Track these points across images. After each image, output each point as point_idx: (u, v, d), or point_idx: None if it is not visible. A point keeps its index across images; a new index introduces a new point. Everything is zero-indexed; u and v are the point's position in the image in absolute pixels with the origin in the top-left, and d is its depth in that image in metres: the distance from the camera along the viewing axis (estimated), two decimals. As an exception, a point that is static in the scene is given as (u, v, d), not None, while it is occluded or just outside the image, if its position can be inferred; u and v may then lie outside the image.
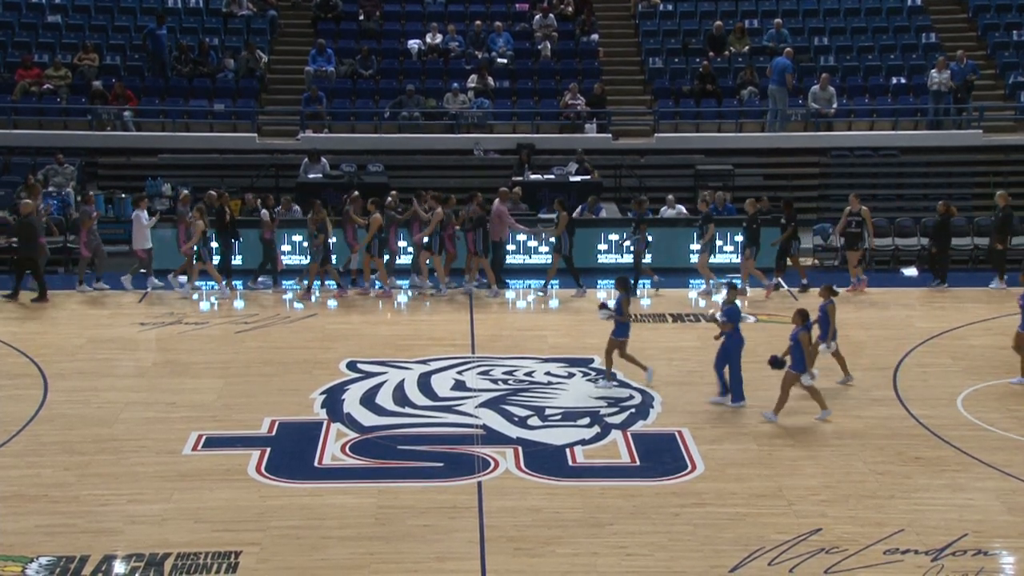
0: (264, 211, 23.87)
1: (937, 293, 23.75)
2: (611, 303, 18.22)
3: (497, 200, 24.02)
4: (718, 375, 17.44)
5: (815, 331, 17.08)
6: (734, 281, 17.75)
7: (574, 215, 25.07)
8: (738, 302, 17.96)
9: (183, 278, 23.70)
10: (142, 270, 23.74)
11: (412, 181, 28.16)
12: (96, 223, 23.81)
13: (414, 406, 17.46)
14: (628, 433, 16.34)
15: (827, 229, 26.68)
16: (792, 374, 16.54)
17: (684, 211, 26.65)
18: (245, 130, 30.26)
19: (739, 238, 25.71)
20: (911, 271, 25.42)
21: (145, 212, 23.71)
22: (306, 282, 23.43)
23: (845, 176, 30.01)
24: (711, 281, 23.73)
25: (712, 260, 24.41)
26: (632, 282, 22.63)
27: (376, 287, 23.61)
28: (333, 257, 23.87)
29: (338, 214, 24.22)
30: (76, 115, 30.16)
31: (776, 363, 16.58)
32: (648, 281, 24.11)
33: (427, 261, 23.59)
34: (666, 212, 26.43)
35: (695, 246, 24.87)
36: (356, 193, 24.25)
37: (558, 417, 16.99)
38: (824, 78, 30.23)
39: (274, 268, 24.05)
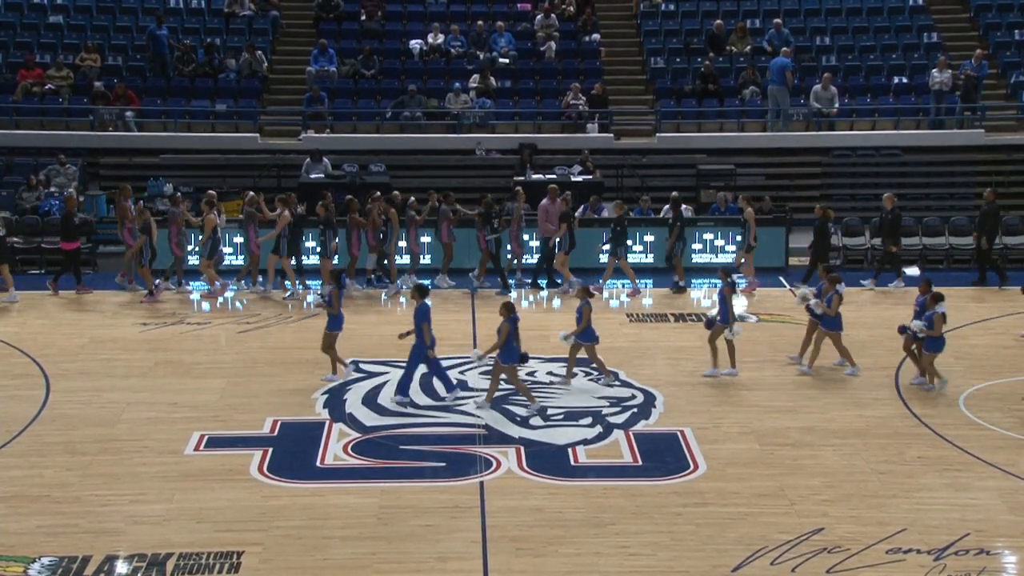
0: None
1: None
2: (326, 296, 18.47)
3: (546, 198, 24.18)
4: (408, 373, 17.70)
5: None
6: (421, 283, 18.68)
7: (576, 215, 25.08)
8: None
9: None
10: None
11: (414, 181, 28.18)
12: (186, 223, 24.00)
13: (416, 406, 17.46)
14: (630, 433, 16.34)
15: (829, 229, 26.65)
16: (497, 363, 17.11)
17: (689, 211, 26.62)
18: (247, 130, 30.26)
19: (740, 238, 25.77)
20: (913, 270, 25.40)
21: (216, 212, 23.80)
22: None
23: (847, 176, 30.03)
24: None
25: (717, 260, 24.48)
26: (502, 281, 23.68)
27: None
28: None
29: (339, 214, 24.25)
30: (78, 115, 30.19)
31: (522, 358, 17.16)
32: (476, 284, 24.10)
33: (276, 264, 23.53)
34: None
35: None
36: (378, 193, 24.38)
37: (560, 417, 16.99)
38: (826, 78, 30.21)
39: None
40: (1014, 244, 26.62)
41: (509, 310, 17.08)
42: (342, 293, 18.62)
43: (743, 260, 24.09)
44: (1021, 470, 15.13)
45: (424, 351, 17.49)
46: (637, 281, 23.89)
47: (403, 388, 17.61)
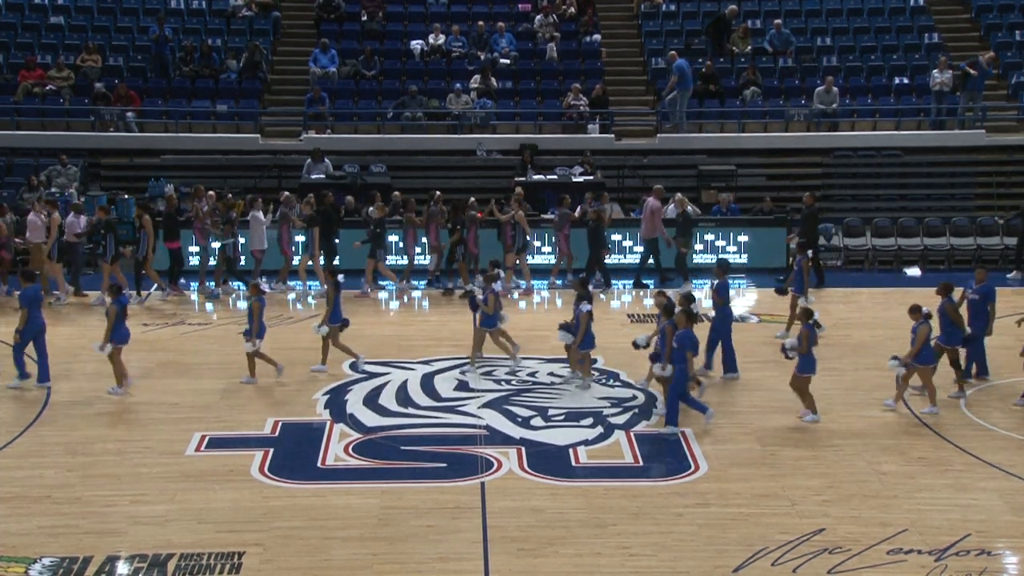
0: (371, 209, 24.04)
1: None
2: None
3: (652, 197, 24.25)
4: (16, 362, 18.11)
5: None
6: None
7: (575, 214, 25.08)
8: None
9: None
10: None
11: (415, 182, 28.19)
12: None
13: (417, 407, 17.47)
14: (631, 433, 16.34)
15: (829, 229, 26.70)
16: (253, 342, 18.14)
17: (697, 211, 26.60)
18: (248, 131, 30.26)
19: (743, 238, 25.78)
20: (914, 271, 25.42)
21: (261, 212, 23.81)
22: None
23: (848, 176, 30.02)
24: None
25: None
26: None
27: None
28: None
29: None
30: (79, 116, 30.18)
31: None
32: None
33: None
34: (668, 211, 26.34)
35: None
36: (439, 194, 24.62)
37: (561, 417, 16.99)
38: (829, 80, 30.19)
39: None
40: (1014, 245, 26.59)
41: (257, 291, 18.26)
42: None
43: (516, 261, 24.10)
44: (1022, 471, 15.12)
45: (36, 332, 17.97)
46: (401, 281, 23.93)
47: (23, 375, 18.06)
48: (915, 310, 17.02)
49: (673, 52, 30.68)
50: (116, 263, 23.04)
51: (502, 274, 20.60)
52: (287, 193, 24.65)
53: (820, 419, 16.76)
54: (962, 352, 18.12)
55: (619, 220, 26.43)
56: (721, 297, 18.70)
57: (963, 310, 18.16)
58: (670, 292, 18.73)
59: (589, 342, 18.14)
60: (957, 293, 18.13)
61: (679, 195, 24.69)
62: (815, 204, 24.68)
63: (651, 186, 28.21)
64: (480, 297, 19.00)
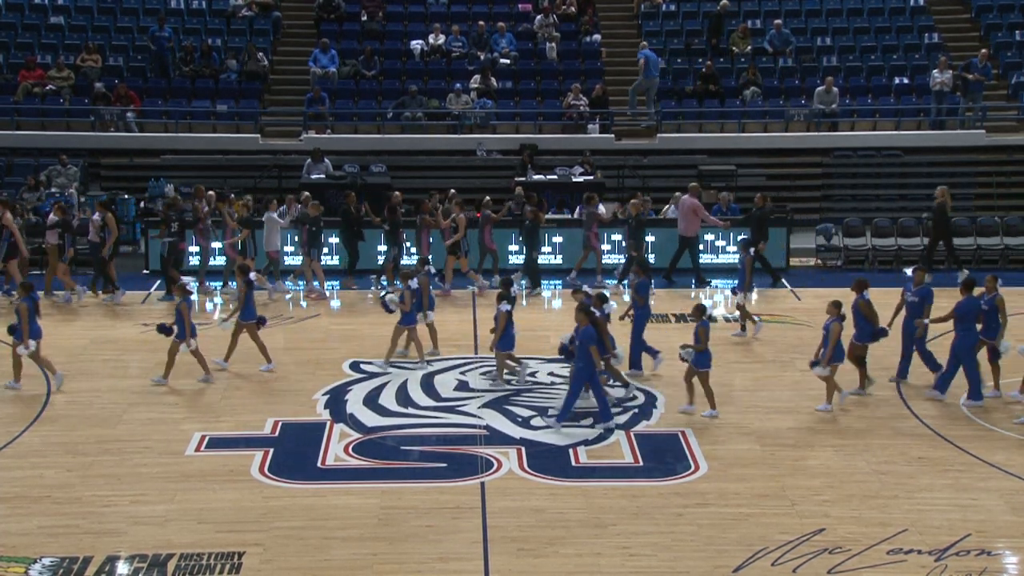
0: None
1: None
2: None
3: (687, 195, 24.23)
4: None
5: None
6: None
7: (574, 215, 25.04)
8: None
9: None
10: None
11: (415, 182, 28.20)
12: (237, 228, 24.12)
13: (417, 407, 17.47)
14: (631, 433, 16.34)
15: (829, 229, 26.69)
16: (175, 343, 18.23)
17: None
18: (248, 131, 30.28)
19: (742, 237, 25.74)
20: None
21: (275, 213, 23.78)
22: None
23: (848, 176, 30.04)
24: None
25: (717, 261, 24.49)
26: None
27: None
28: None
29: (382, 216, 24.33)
30: (79, 116, 30.20)
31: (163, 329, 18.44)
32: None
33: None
34: (670, 211, 26.31)
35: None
36: (453, 191, 24.63)
37: (561, 417, 16.98)
38: (829, 80, 30.21)
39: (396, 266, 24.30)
40: (1014, 244, 26.62)
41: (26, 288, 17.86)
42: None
43: (457, 264, 23.98)
44: (1022, 471, 15.13)
45: None
46: (326, 285, 23.85)
47: None
48: (835, 306, 17.12)
49: (644, 43, 30.81)
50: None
51: (432, 270, 20.69)
52: (306, 193, 24.60)
53: (695, 410, 16.87)
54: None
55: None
56: (641, 296, 18.75)
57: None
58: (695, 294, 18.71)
59: (508, 343, 18.14)
60: (897, 293, 18.46)
61: (634, 200, 24.56)
62: (767, 205, 24.63)
63: (649, 186, 28.30)
64: (393, 296, 19.07)
